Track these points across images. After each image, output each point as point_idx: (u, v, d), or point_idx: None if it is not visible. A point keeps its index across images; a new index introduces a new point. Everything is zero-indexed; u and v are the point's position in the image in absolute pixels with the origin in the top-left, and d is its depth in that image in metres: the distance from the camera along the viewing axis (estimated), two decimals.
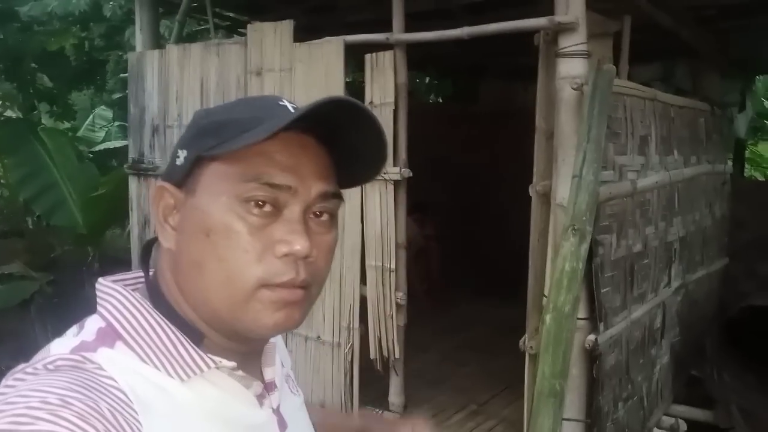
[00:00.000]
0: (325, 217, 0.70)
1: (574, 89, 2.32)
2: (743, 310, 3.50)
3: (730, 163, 4.49)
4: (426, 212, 4.88)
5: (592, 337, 2.32)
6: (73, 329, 0.68)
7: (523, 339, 2.62)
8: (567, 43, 2.43)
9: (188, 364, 0.66)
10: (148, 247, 0.76)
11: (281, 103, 0.69)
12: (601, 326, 2.38)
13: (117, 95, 8.15)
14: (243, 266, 0.65)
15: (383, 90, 2.88)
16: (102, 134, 8.95)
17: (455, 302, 4.98)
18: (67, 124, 7.82)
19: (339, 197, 0.72)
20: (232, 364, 0.69)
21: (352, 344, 3.03)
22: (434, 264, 5.03)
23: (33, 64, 6.58)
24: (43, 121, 7.51)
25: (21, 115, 6.77)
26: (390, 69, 2.86)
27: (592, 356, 2.34)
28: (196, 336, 0.68)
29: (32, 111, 7.23)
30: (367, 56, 2.93)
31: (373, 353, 3.00)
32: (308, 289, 0.69)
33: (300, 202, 0.67)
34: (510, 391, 3.47)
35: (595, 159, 2.03)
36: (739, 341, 3.61)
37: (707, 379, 3.47)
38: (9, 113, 6.71)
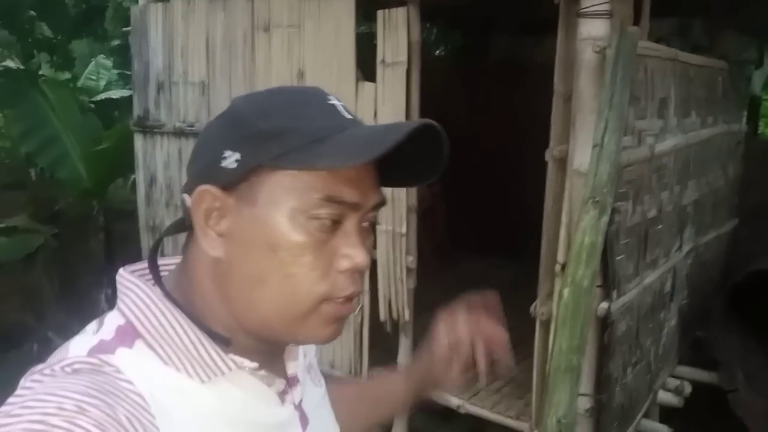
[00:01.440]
0: (367, 223, 0.69)
1: (596, 52, 2.24)
2: (749, 274, 3.49)
3: (744, 122, 4.41)
4: None
5: (605, 305, 2.31)
6: (93, 325, 0.66)
7: (534, 305, 2.62)
8: (589, 2, 2.33)
9: (209, 365, 0.65)
10: (158, 245, 0.72)
11: (330, 102, 0.67)
12: (614, 294, 2.37)
13: (116, 42, 7.99)
14: (309, 283, 0.64)
15: (396, 48, 2.80)
16: (103, 83, 8.82)
17: (461, 261, 4.97)
18: (67, 74, 7.68)
19: (385, 203, 0.70)
20: (254, 364, 0.68)
21: (362, 307, 3.03)
22: (440, 223, 5.01)
23: (31, 12, 6.40)
24: (42, 71, 7.37)
25: (20, 65, 6.63)
26: (403, 26, 2.77)
27: (605, 324, 2.34)
28: (222, 340, 0.66)
29: (31, 60, 7.08)
30: (379, 13, 2.83)
31: (383, 316, 3.01)
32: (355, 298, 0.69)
33: (359, 214, 0.66)
34: (516, 352, 3.47)
35: (617, 127, 1.97)
36: (745, 304, 3.62)
37: (712, 341, 3.50)
38: (8, 63, 6.57)
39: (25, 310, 5.37)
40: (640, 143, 2.50)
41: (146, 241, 3.91)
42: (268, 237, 0.63)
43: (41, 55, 7.08)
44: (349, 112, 0.67)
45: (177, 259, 0.74)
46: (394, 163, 0.69)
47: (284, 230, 0.62)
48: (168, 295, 0.67)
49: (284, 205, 0.62)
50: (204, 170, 0.65)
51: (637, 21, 2.64)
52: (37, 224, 5.72)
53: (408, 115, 2.82)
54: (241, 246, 0.64)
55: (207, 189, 0.64)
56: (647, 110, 2.54)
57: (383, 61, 2.82)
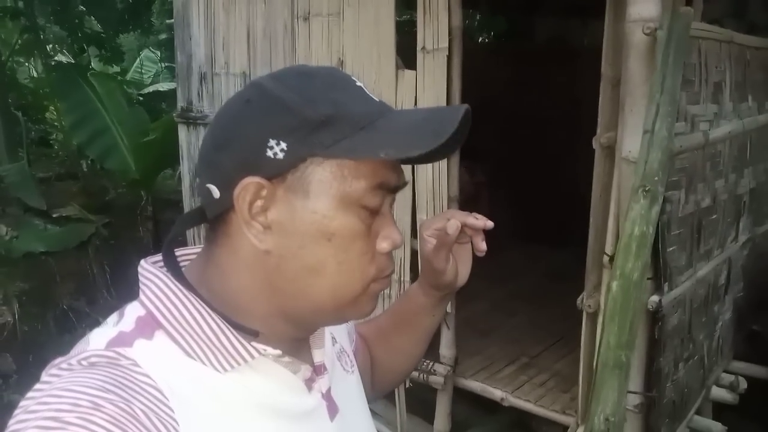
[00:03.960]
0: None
1: (646, 34, 2.14)
2: None
3: None
4: (476, 159, 4.76)
5: (655, 298, 2.22)
6: (114, 317, 0.66)
7: (581, 297, 2.54)
8: None
9: (231, 353, 0.63)
10: (176, 237, 0.69)
11: (357, 84, 0.67)
12: (666, 287, 2.28)
13: (163, 36, 8.13)
14: (363, 268, 0.66)
15: (437, 35, 2.73)
16: (150, 76, 9.01)
17: (504, 250, 4.89)
18: (116, 68, 7.86)
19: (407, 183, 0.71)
20: (277, 352, 0.66)
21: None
22: (484, 211, 4.93)
23: (81, 7, 6.56)
24: (92, 64, 7.56)
25: (71, 60, 6.81)
26: (444, 11, 2.70)
27: (655, 318, 2.26)
28: (249, 332, 0.65)
29: (82, 54, 7.27)
30: None
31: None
32: None
33: (393, 195, 0.69)
34: (562, 344, 3.43)
35: (669, 112, 1.88)
36: None
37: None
38: (60, 58, 6.75)
39: (78, 295, 5.56)
40: (693, 129, 2.38)
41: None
42: (322, 226, 0.63)
43: (90, 49, 7.25)
44: (372, 94, 0.68)
45: (196, 249, 0.73)
46: None
47: (339, 219, 0.63)
48: (188, 284, 0.65)
49: (336, 194, 0.62)
50: (245, 161, 0.62)
51: (689, 1, 2.52)
52: (88, 214, 5.89)
53: (449, 103, 2.76)
54: (294, 237, 0.63)
55: (254, 181, 0.62)
56: (701, 95, 2.42)
57: (424, 48, 2.77)
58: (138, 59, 9.08)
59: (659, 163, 1.81)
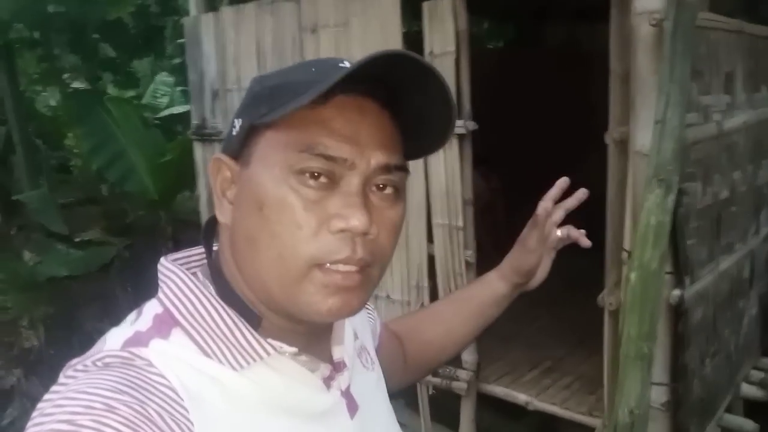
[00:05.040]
0: (389, 190, 0.64)
1: (652, 26, 2.13)
2: None
3: None
4: (491, 165, 4.74)
5: (677, 292, 2.19)
6: (132, 315, 0.66)
7: (601, 294, 2.51)
8: None
9: (247, 350, 0.63)
10: (211, 223, 0.71)
11: (341, 64, 0.62)
12: (687, 280, 2.24)
13: (176, 60, 8.25)
14: (295, 243, 0.60)
15: (443, 39, 2.75)
16: (165, 100, 9.12)
17: None
18: (131, 92, 7.99)
19: (404, 170, 0.65)
20: (294, 349, 0.65)
21: (422, 303, 2.99)
22: (501, 217, 4.91)
23: (95, 35, 6.69)
24: (108, 90, 7.69)
25: (88, 86, 6.94)
26: (450, 15, 2.72)
27: (678, 312, 2.22)
28: (253, 318, 0.64)
29: (97, 81, 7.40)
30: (425, 4, 2.80)
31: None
32: (367, 270, 0.63)
33: (358, 174, 0.61)
34: (585, 346, 3.38)
35: (679, 102, 1.86)
36: None
37: None
38: (76, 84, 6.88)
39: (101, 317, 5.60)
40: (706, 120, 2.36)
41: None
42: (257, 195, 0.62)
43: (106, 75, 7.39)
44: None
45: None
46: (411, 125, 0.67)
47: (270, 187, 0.61)
48: (214, 277, 0.66)
49: (272, 162, 0.61)
50: (223, 144, 0.68)
51: None
52: (110, 237, 5.96)
53: (460, 108, 2.76)
54: (240, 208, 0.64)
55: (218, 157, 0.66)
56: (712, 85, 2.40)
57: (431, 52, 2.78)
58: (152, 84, 9.21)
59: (672, 152, 1.79)
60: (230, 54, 3.51)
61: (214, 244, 0.73)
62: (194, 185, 6.21)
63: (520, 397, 2.95)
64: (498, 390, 3.03)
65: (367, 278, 0.64)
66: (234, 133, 0.65)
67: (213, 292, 0.65)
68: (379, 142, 0.63)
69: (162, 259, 0.68)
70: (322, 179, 0.61)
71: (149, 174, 5.66)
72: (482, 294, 1.03)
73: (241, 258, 0.65)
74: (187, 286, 0.64)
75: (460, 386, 2.99)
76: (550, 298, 4.16)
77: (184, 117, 7.72)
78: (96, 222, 6.39)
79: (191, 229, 6.04)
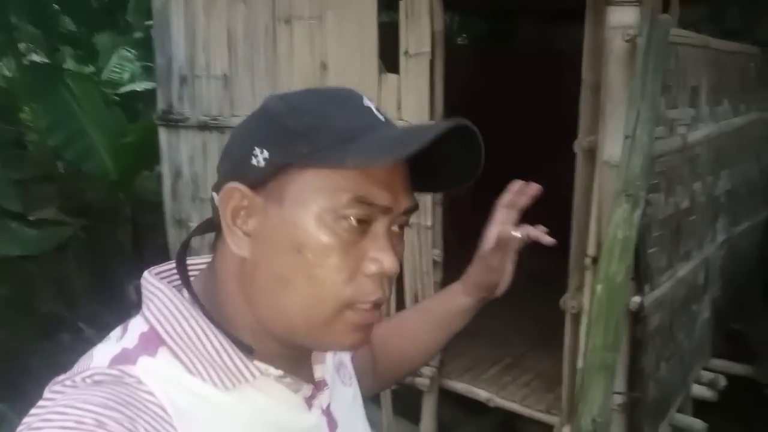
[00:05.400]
0: (400, 228, 0.67)
1: (626, 41, 2.18)
2: None
3: None
4: None
5: (637, 299, 2.26)
6: (117, 332, 0.66)
7: (563, 298, 2.58)
8: None
9: (233, 372, 0.64)
10: (186, 246, 0.71)
11: (366, 104, 0.65)
12: (647, 288, 2.32)
13: (139, 35, 8.02)
14: (334, 286, 0.62)
15: (419, 39, 2.75)
16: (126, 76, 8.89)
17: None
18: (91, 68, 7.75)
19: (417, 208, 0.68)
20: (279, 372, 0.67)
21: (388, 300, 3.01)
22: (466, 212, 4.97)
23: (54, 6, 6.45)
24: (67, 64, 7.44)
25: (46, 59, 6.70)
26: (426, 16, 2.72)
27: (637, 318, 2.29)
28: (245, 347, 0.65)
29: (56, 53, 7.15)
30: (402, 2, 2.78)
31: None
32: (383, 305, 0.67)
33: (389, 218, 0.64)
34: (545, 345, 3.45)
35: (649, 118, 1.91)
36: None
37: (748, 333, 3.42)
38: (34, 57, 6.64)
39: (56, 300, 5.47)
40: (672, 133, 2.43)
41: (173, 235, 3.93)
42: (294, 237, 0.61)
43: (65, 49, 7.14)
44: (383, 115, 0.66)
45: (207, 259, 0.73)
46: (428, 167, 0.68)
47: (310, 230, 0.61)
48: (195, 298, 0.66)
49: (312, 205, 0.61)
50: (234, 168, 0.64)
51: (666, 7, 2.56)
52: (66, 217, 5.80)
53: (432, 107, 2.77)
54: (267, 246, 0.63)
55: (235, 186, 0.63)
56: (678, 99, 2.47)
57: (406, 52, 2.78)
58: (113, 58, 8.95)
59: (641, 167, 1.85)
60: (200, 40, 3.43)
61: (193, 259, 0.73)
62: (155, 166, 6.10)
63: (481, 394, 3.02)
64: (460, 386, 3.09)
65: (381, 312, 0.68)
66: (255, 163, 0.62)
67: (200, 313, 0.65)
68: (406, 187, 0.66)
69: (146, 273, 0.68)
70: (361, 224, 0.62)
71: (109, 154, 5.53)
72: (448, 306, 1.05)
73: (262, 293, 0.64)
74: (174, 305, 0.64)
75: (422, 382, 3.04)
76: (512, 294, 4.24)
77: (146, 95, 7.53)
78: (52, 201, 6.20)
79: (151, 210, 5.93)
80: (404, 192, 0.65)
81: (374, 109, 0.65)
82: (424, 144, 0.57)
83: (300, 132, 0.61)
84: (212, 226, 0.69)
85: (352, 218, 0.61)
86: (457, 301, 1.03)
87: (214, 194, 0.66)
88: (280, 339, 0.66)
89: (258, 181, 0.62)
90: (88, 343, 0.66)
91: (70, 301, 5.46)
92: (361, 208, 0.61)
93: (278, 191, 0.62)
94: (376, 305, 0.65)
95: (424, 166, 0.68)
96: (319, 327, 0.63)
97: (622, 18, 2.23)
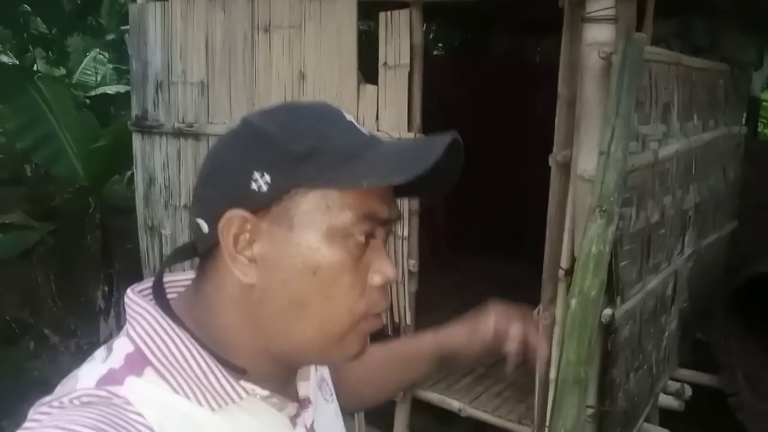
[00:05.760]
0: (388, 236, 0.70)
1: (601, 58, 2.22)
2: (751, 278, 3.49)
3: (744, 123, 4.41)
4: None
5: (609, 311, 2.30)
6: (102, 352, 0.65)
7: (537, 309, 2.61)
8: (594, 6, 2.30)
9: (219, 393, 0.64)
10: (162, 273, 0.70)
11: (348, 119, 0.67)
12: (618, 300, 2.36)
13: (111, 37, 7.92)
14: (350, 303, 0.64)
15: (398, 51, 2.77)
16: (98, 78, 8.76)
17: (460, 260, 4.97)
18: (62, 70, 7.62)
19: (401, 216, 0.73)
20: (265, 392, 0.67)
21: None
22: (439, 222, 5.00)
23: (25, 7, 6.34)
24: (37, 66, 7.31)
25: (15, 61, 6.57)
26: (405, 29, 2.74)
27: (608, 331, 2.33)
28: (237, 369, 0.65)
29: (26, 55, 7.02)
30: (381, 15, 2.81)
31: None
32: None
33: (385, 229, 0.67)
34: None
35: (623, 135, 1.96)
36: (745, 307, 3.62)
37: (713, 344, 3.50)
38: (3, 58, 6.51)
39: (22, 306, 5.35)
40: (644, 148, 2.48)
41: (145, 241, 3.88)
42: (307, 259, 0.62)
43: (36, 51, 7.01)
44: (363, 128, 0.68)
45: (185, 276, 0.73)
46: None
47: (324, 251, 0.62)
48: (177, 319, 0.65)
49: (321, 226, 0.61)
50: (230, 194, 0.63)
51: (640, 23, 2.62)
52: (33, 221, 5.68)
53: (410, 119, 2.79)
54: (278, 270, 0.63)
55: (238, 214, 0.62)
56: (651, 115, 2.53)
57: (385, 63, 2.80)
58: (85, 61, 8.82)
59: (615, 183, 1.88)
60: (177, 46, 3.41)
61: (171, 276, 0.73)
62: (125, 170, 6.01)
63: (454, 404, 3.03)
64: (432, 396, 3.10)
65: None
66: (256, 188, 0.61)
67: (186, 334, 0.64)
68: (393, 198, 0.68)
69: (129, 292, 0.67)
70: (367, 239, 0.64)
71: (80, 159, 5.42)
72: (415, 351, 1.06)
73: (273, 318, 0.64)
74: (160, 325, 0.64)
75: None
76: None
77: (118, 98, 7.43)
78: (18, 204, 6.08)
79: (121, 216, 5.84)
80: (394, 202, 0.68)
81: (356, 124, 0.67)
82: (433, 162, 0.60)
83: (303, 154, 0.61)
84: (193, 250, 0.68)
85: (359, 235, 0.63)
86: (425, 349, 1.04)
87: (200, 221, 0.65)
88: (284, 359, 0.67)
89: (260, 206, 0.62)
90: (54, 350, 0.66)
91: (35, 306, 5.35)
92: (367, 224, 0.63)
93: (285, 215, 0.62)
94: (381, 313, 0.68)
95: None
96: (334, 343, 0.65)
97: (598, 35, 2.28)
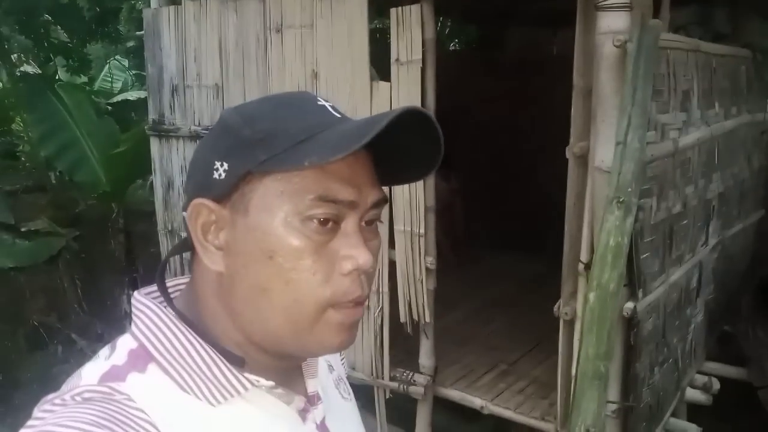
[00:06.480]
0: (374, 223, 0.67)
1: (616, 46, 2.18)
2: None
3: None
4: (450, 166, 4.78)
5: (630, 305, 2.26)
6: (105, 350, 0.65)
7: (557, 304, 2.57)
8: None
9: (224, 385, 0.63)
10: (164, 267, 0.71)
11: (320, 103, 0.65)
12: (640, 293, 2.31)
13: (131, 44, 8.02)
14: (312, 288, 0.61)
15: (410, 47, 2.75)
16: (119, 85, 8.88)
17: (480, 257, 4.93)
18: (83, 78, 7.73)
19: (386, 201, 0.67)
20: (270, 383, 0.66)
21: (382, 308, 3.00)
22: (459, 219, 4.97)
23: (46, 16, 6.44)
24: (59, 75, 7.42)
25: (38, 70, 6.68)
26: (417, 24, 2.72)
27: (630, 324, 2.29)
28: (235, 359, 0.65)
29: (48, 64, 7.13)
30: (393, 11, 2.79)
31: (403, 317, 2.98)
32: (364, 302, 0.66)
33: (357, 213, 0.63)
34: (539, 350, 3.46)
35: (640, 124, 1.91)
36: None
37: (741, 336, 3.42)
38: (26, 68, 6.62)
39: (48, 312, 5.44)
40: (663, 138, 2.43)
41: (165, 245, 3.92)
42: (264, 244, 0.61)
43: (57, 60, 7.13)
44: (339, 112, 0.66)
45: (187, 279, 0.73)
46: (393, 159, 0.68)
47: (279, 235, 0.61)
48: (180, 315, 0.65)
49: (277, 210, 0.61)
50: (197, 185, 0.65)
51: (656, 11, 2.57)
52: (58, 227, 5.77)
53: None
54: (240, 257, 0.63)
55: (201, 202, 0.63)
56: (670, 104, 2.47)
57: (398, 59, 2.78)
58: (105, 68, 8.94)
59: (632, 173, 1.84)
60: (191, 50, 3.43)
61: (173, 280, 0.73)
62: (147, 175, 6.07)
63: (476, 401, 3.01)
64: (454, 394, 3.08)
65: (364, 309, 0.67)
66: (217, 176, 0.62)
67: (188, 328, 0.64)
68: (372, 181, 0.65)
69: (135, 293, 0.67)
70: (328, 224, 0.62)
71: (102, 164, 5.51)
72: None
73: (243, 304, 0.64)
74: (162, 321, 0.64)
75: (417, 391, 3.02)
76: (505, 300, 4.26)
77: (138, 104, 7.52)
78: (44, 211, 6.17)
79: (143, 220, 5.91)
80: (370, 185, 0.65)
81: (329, 107, 0.65)
82: (372, 136, 0.57)
83: (257, 140, 0.61)
84: (187, 245, 0.69)
85: (318, 219, 0.61)
86: None
87: (185, 214, 0.66)
88: (267, 349, 0.66)
89: (222, 194, 0.63)
90: (81, 355, 0.66)
91: (62, 312, 5.43)
92: (326, 207, 0.61)
93: (242, 201, 0.62)
94: (358, 303, 0.64)
95: (389, 159, 0.68)
96: (304, 331, 0.63)
97: (613, 23, 2.24)
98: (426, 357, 3.07)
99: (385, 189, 0.68)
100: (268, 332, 0.64)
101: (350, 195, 0.62)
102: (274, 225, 0.61)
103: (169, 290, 0.70)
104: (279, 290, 0.61)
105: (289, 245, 0.61)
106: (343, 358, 0.93)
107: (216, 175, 0.62)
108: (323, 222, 0.61)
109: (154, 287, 0.70)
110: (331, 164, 0.60)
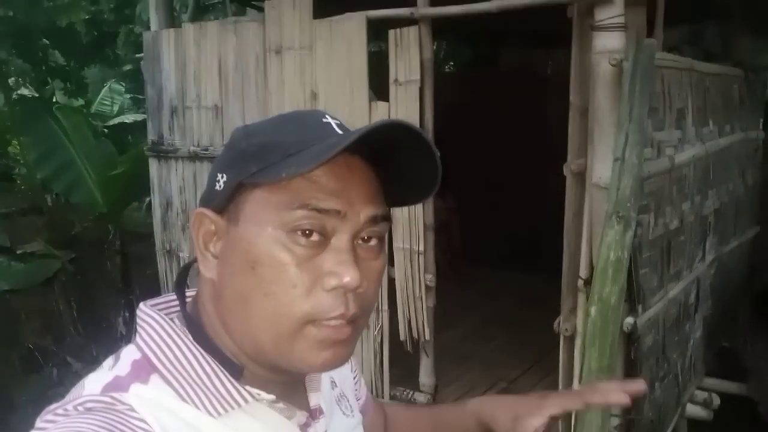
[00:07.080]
0: (373, 242, 0.65)
1: (612, 65, 2.22)
2: None
3: (761, 128, 4.36)
4: (447, 184, 4.81)
5: (630, 320, 2.27)
6: (110, 360, 0.66)
7: (557, 320, 2.58)
8: (603, 15, 2.32)
9: (225, 398, 0.63)
10: (185, 271, 0.72)
11: (325, 120, 0.65)
12: (639, 308, 2.33)
13: (128, 67, 8.07)
14: (290, 301, 0.61)
15: (408, 67, 2.79)
16: (115, 108, 8.92)
17: (478, 274, 4.94)
18: (80, 101, 7.77)
19: (388, 219, 0.66)
20: (272, 396, 0.66)
21: (381, 326, 3.00)
22: (456, 236, 4.98)
23: (44, 40, 6.49)
24: (56, 97, 7.45)
25: (35, 93, 6.72)
26: (415, 45, 2.77)
27: (630, 339, 2.30)
28: (235, 369, 0.65)
29: (45, 87, 7.17)
30: (391, 32, 2.83)
31: (402, 335, 2.98)
32: (356, 322, 0.64)
33: (349, 228, 0.62)
34: (539, 368, 3.46)
35: (638, 140, 1.95)
36: None
37: (740, 351, 3.43)
38: (23, 91, 6.65)
39: (44, 334, 5.40)
40: (660, 155, 2.46)
41: (163, 265, 3.91)
42: (248, 254, 0.62)
43: (55, 83, 7.17)
44: (344, 129, 0.65)
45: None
46: (397, 177, 0.68)
47: (262, 246, 0.61)
48: (190, 325, 0.66)
49: (263, 221, 0.61)
50: (204, 195, 0.67)
51: (650, 31, 2.62)
52: (54, 249, 5.75)
53: None
54: (228, 266, 0.64)
55: (202, 212, 0.65)
56: (665, 121, 2.51)
57: (396, 80, 2.82)
58: (102, 91, 8.99)
59: (631, 189, 1.87)
60: (191, 71, 3.46)
61: (188, 291, 0.73)
62: (144, 197, 6.08)
63: None
64: None
65: (355, 329, 0.65)
66: (218, 187, 0.65)
67: (191, 339, 0.65)
68: (368, 197, 0.64)
69: (141, 305, 0.68)
70: (314, 237, 0.61)
71: (98, 186, 5.51)
72: (460, 424, 0.96)
73: (229, 313, 0.65)
74: (166, 332, 0.65)
75: None
76: (504, 316, 4.27)
77: (135, 127, 7.55)
78: (40, 233, 6.16)
79: (140, 242, 5.90)
80: (364, 200, 0.63)
81: (333, 124, 0.65)
82: (345, 145, 0.57)
83: (251, 152, 0.62)
84: None
85: (302, 230, 0.61)
86: (467, 423, 0.94)
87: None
88: (255, 359, 0.66)
89: (221, 204, 0.64)
90: (76, 377, 0.66)
91: (57, 334, 5.39)
92: (309, 218, 0.60)
93: (236, 212, 0.63)
94: (343, 321, 0.62)
95: (394, 179, 0.67)
96: (284, 345, 0.62)
97: (608, 43, 2.29)
98: (426, 375, 3.07)
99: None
100: (250, 341, 0.64)
101: (334, 204, 0.61)
102: (259, 236, 0.61)
103: (187, 299, 0.71)
104: (258, 301, 0.61)
105: (271, 257, 0.61)
106: (356, 377, 0.92)
107: (217, 187, 0.65)
108: (308, 234, 0.61)
109: (160, 299, 0.71)
110: (319, 176, 0.61)
